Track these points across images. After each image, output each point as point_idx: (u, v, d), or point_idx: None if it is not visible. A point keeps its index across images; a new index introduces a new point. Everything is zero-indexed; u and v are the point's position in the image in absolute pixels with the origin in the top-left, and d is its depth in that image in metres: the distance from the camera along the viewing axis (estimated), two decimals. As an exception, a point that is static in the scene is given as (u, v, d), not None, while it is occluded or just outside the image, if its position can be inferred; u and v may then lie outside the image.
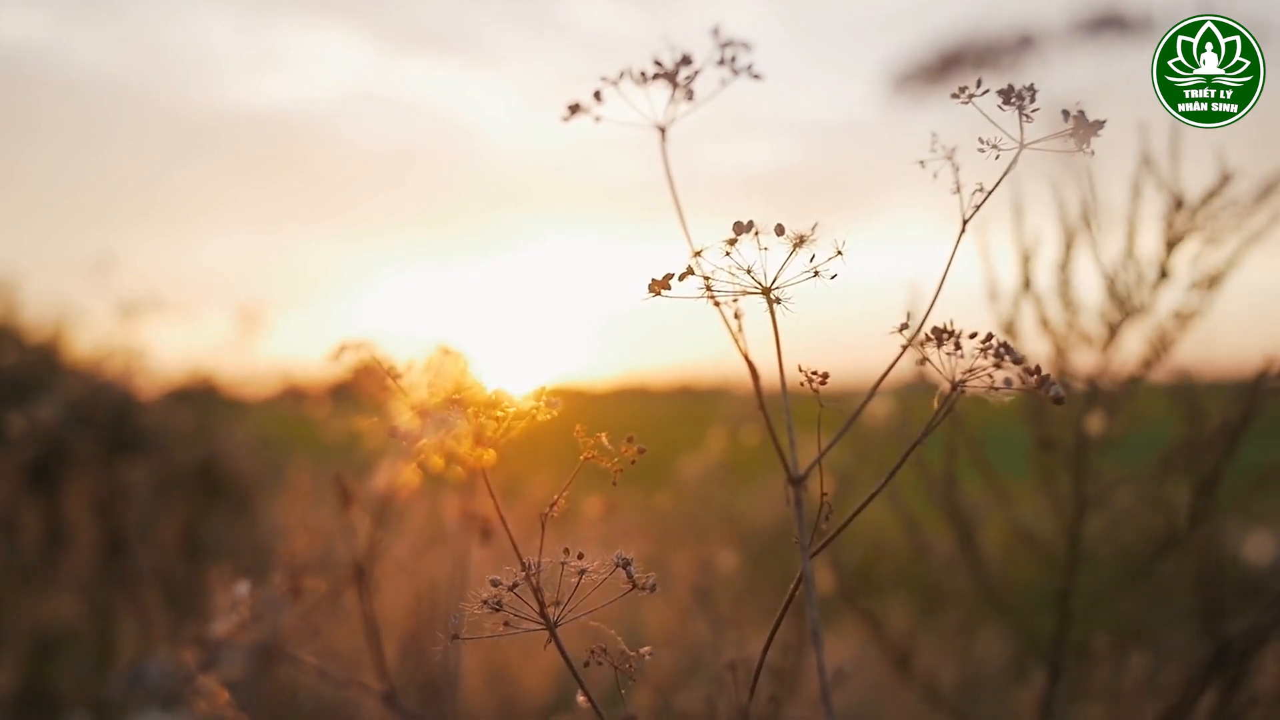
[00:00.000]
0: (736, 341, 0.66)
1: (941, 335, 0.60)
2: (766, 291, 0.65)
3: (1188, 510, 1.33)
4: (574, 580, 0.66)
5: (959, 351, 0.60)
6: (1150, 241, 1.35)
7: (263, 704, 0.65)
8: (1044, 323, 1.42)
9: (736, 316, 0.66)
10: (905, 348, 0.62)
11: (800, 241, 0.64)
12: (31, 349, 4.09)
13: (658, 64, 0.67)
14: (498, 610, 0.66)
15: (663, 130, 0.68)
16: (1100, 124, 0.63)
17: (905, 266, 1.45)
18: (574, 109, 0.68)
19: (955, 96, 0.64)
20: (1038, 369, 0.59)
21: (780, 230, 0.65)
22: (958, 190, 0.64)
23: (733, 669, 0.83)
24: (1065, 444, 1.43)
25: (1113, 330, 1.39)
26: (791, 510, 0.67)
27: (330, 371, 0.68)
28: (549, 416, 0.65)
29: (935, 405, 0.62)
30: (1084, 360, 1.41)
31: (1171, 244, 1.32)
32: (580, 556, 0.67)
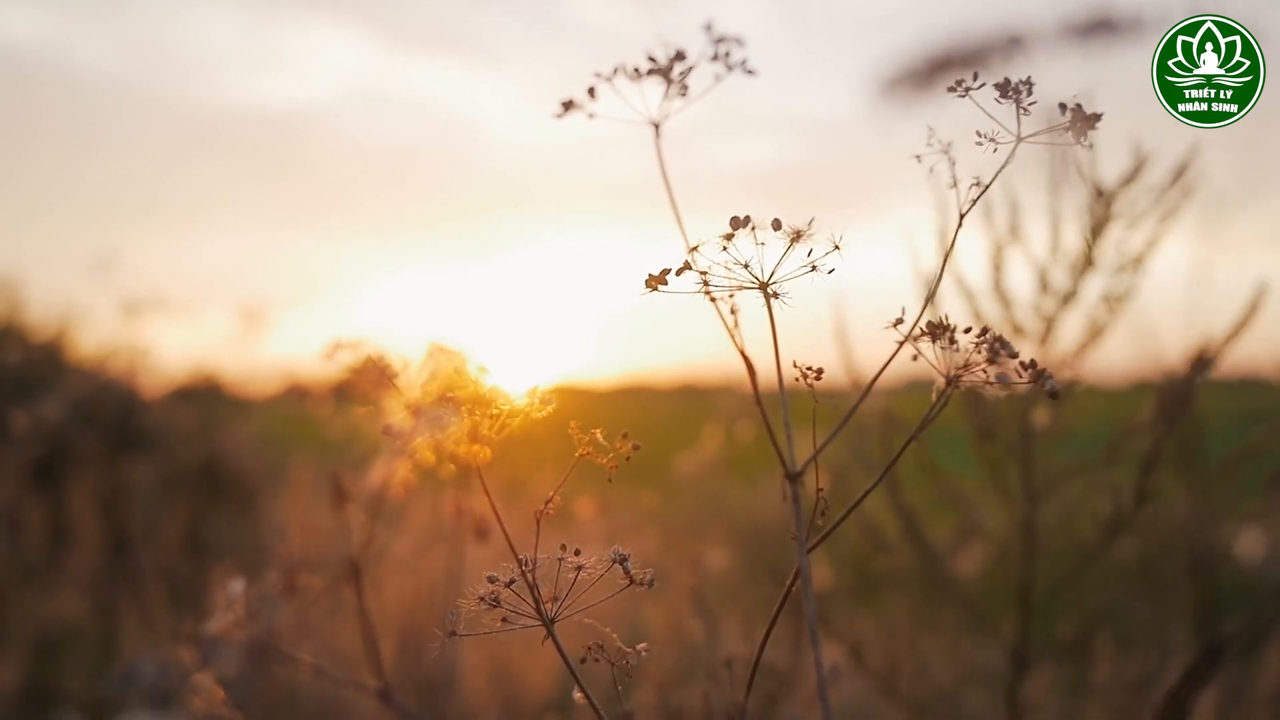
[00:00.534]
0: (733, 337, 0.66)
1: (936, 331, 0.60)
2: (763, 286, 0.65)
3: (1133, 490, 1.37)
4: (571, 577, 0.66)
5: (954, 346, 0.60)
6: (1074, 232, 1.41)
7: (259, 702, 0.65)
8: (977, 317, 1.47)
9: (733, 312, 0.65)
10: (901, 344, 0.62)
11: (797, 236, 0.64)
12: (35, 348, 4.10)
13: (651, 60, 0.67)
14: (495, 606, 0.65)
15: (657, 126, 0.67)
16: (1098, 117, 0.63)
17: (905, 264, 1.47)
18: (568, 106, 0.67)
19: (952, 90, 0.64)
20: (1033, 363, 0.59)
21: (777, 225, 0.64)
22: (954, 185, 0.64)
23: (728, 666, 0.83)
24: (1010, 438, 1.46)
25: (1048, 322, 1.44)
26: (789, 506, 0.66)
27: (331, 370, 0.68)
28: (543, 414, 0.64)
29: (933, 399, 0.62)
30: (1024, 354, 1.45)
31: (1095, 231, 1.37)
32: (577, 553, 0.67)
